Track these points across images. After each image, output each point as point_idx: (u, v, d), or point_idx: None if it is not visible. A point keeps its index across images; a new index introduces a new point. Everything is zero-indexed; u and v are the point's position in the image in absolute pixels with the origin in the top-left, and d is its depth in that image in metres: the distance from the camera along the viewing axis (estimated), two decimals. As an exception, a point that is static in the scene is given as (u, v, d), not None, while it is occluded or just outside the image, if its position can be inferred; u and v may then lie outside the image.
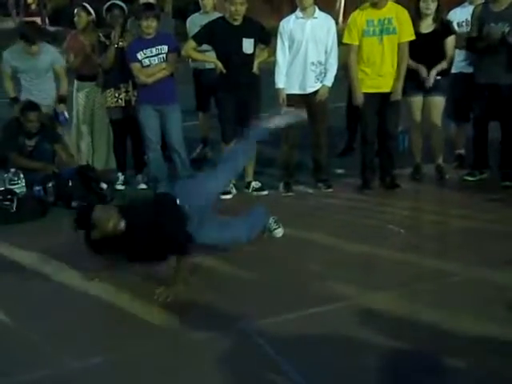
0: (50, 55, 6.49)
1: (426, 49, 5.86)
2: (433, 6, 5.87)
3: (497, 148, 6.13)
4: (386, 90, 5.79)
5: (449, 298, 3.82)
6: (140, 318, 3.71)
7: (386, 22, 5.66)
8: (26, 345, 3.48)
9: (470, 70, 6.17)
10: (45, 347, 3.45)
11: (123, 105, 6.38)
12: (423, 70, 5.91)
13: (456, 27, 6.16)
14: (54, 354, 3.37)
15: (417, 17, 5.92)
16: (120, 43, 6.26)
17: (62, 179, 6.03)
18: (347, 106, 7.03)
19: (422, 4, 5.88)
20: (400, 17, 5.69)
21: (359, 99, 5.87)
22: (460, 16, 6.28)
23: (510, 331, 3.38)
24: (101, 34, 6.39)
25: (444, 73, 6.05)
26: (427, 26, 5.95)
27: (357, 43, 5.76)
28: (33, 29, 6.61)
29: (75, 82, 6.88)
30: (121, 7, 6.45)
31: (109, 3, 6.46)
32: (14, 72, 6.46)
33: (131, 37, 6.29)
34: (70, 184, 5.94)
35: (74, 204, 5.85)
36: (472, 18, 6.00)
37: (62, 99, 6.59)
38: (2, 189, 5.78)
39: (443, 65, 5.97)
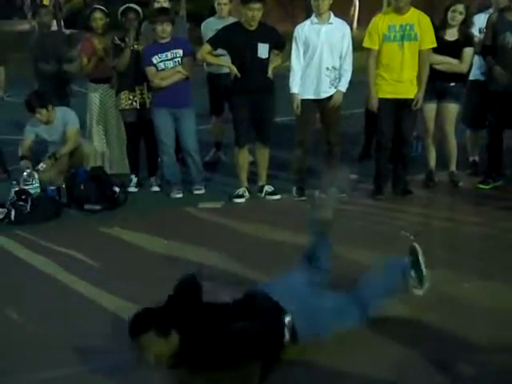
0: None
1: (447, 55, 5.85)
2: (459, 19, 5.81)
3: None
4: (404, 96, 5.74)
5: (461, 305, 3.80)
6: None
7: (407, 27, 5.60)
8: (40, 345, 3.51)
9: (485, 77, 6.15)
10: (59, 347, 3.48)
11: (137, 107, 6.41)
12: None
13: (477, 32, 6.14)
14: (67, 354, 3.39)
15: (442, 25, 5.86)
16: (135, 46, 6.30)
17: (74, 182, 6.07)
18: (366, 112, 6.97)
19: (449, 14, 5.80)
20: (422, 24, 5.62)
21: (374, 105, 5.85)
22: (484, 22, 6.18)
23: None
24: (115, 37, 6.42)
25: (459, 80, 6.03)
26: (452, 34, 5.90)
27: (377, 48, 5.71)
28: None
29: (89, 84, 6.93)
30: (136, 10, 6.49)
31: (124, 6, 6.50)
32: None
33: (145, 40, 6.33)
34: (82, 187, 5.97)
35: (86, 207, 5.89)
36: (486, 25, 5.99)
37: None
38: (17, 189, 5.84)
39: (452, 62, 5.90)
